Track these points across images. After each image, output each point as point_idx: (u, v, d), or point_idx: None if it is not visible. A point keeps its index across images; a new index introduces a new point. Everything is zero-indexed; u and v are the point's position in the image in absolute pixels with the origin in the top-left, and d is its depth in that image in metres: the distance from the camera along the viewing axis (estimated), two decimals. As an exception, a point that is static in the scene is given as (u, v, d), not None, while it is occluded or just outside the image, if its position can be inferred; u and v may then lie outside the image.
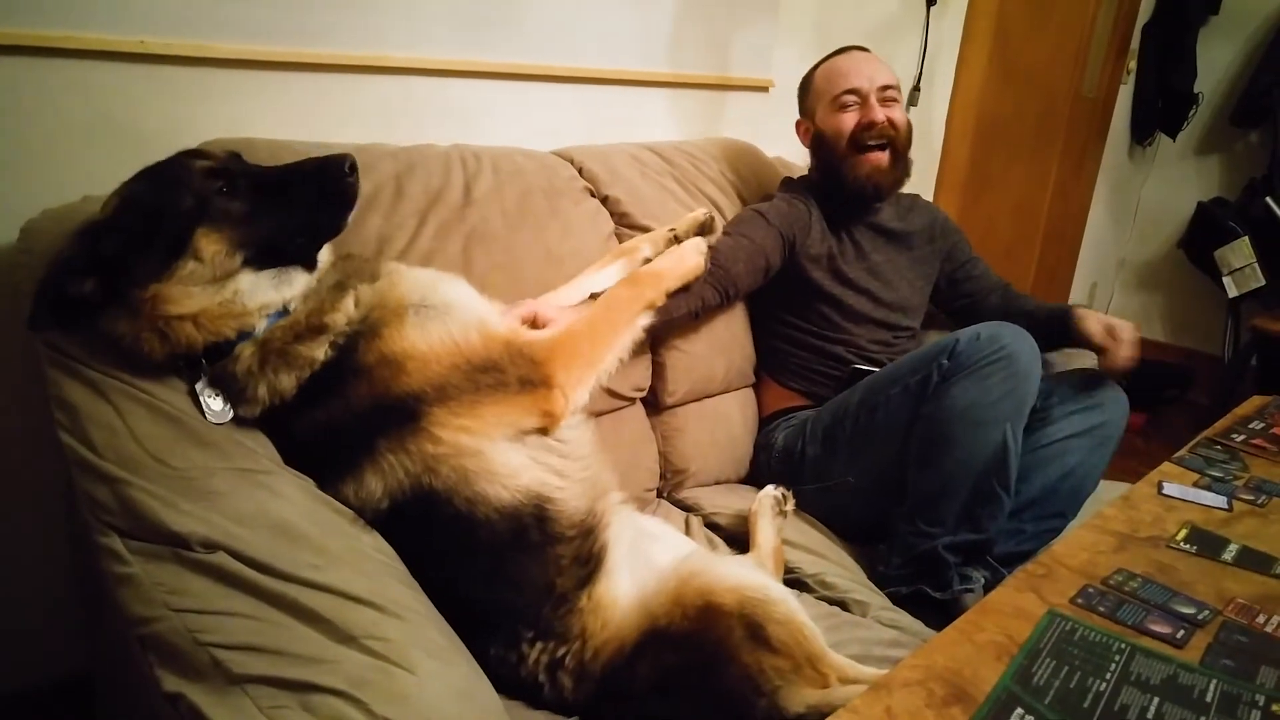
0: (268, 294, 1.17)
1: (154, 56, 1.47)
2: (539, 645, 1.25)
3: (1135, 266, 4.75)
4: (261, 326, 1.17)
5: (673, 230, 1.80)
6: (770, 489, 1.77)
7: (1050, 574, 1.18)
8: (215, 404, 1.14)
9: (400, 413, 1.18)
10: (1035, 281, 3.99)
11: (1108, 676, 0.96)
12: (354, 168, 1.19)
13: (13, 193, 1.37)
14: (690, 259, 1.63)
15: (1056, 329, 1.97)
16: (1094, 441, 1.83)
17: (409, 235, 1.57)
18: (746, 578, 1.26)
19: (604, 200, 1.91)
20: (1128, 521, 1.36)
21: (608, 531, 1.33)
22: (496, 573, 1.20)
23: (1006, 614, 1.07)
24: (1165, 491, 1.48)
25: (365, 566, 1.07)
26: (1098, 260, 4.57)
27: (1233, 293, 3.87)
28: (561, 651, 1.25)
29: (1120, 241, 4.71)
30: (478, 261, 1.63)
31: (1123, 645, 1.02)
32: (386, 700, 0.89)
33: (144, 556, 0.95)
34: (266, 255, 1.16)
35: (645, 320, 1.45)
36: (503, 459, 1.22)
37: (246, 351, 1.16)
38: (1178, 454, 1.66)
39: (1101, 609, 1.10)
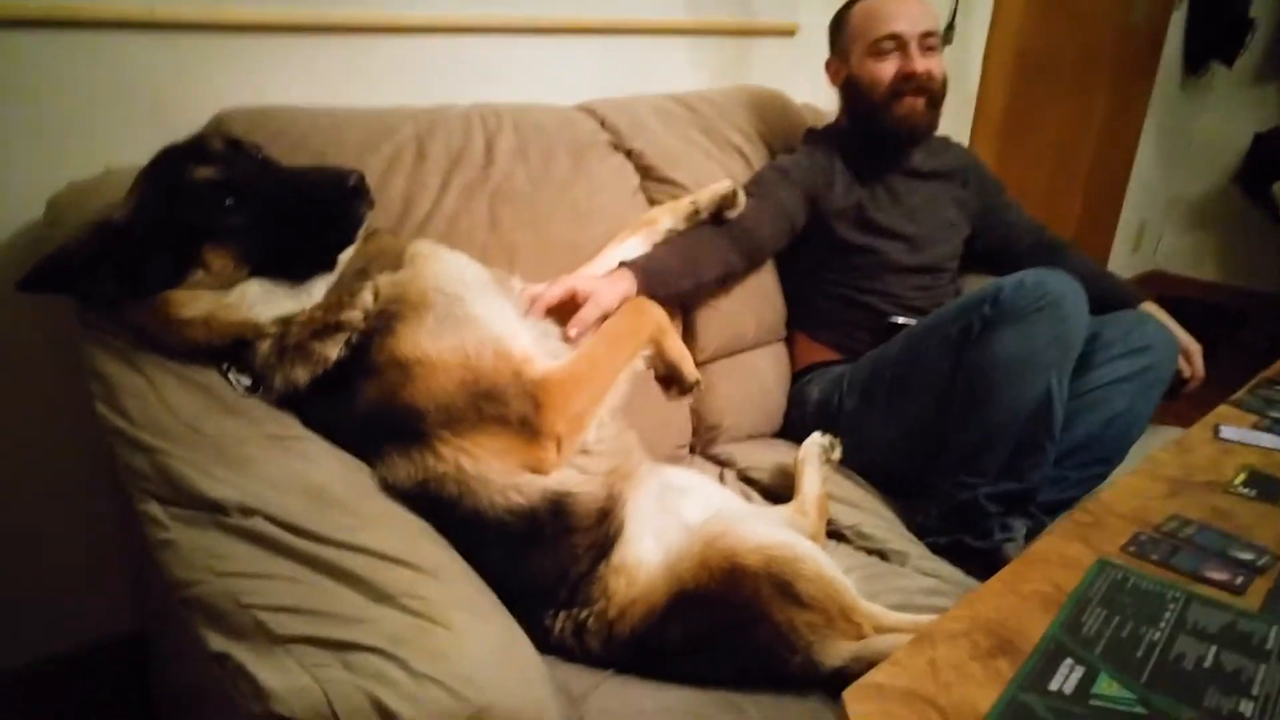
0: (283, 304, 1.17)
1: (167, 24, 1.46)
2: (561, 615, 1.26)
3: (1187, 204, 4.61)
4: (274, 328, 1.18)
5: (694, 202, 1.76)
6: (817, 435, 1.74)
7: (1099, 522, 1.14)
8: (245, 380, 1.16)
9: (404, 425, 1.17)
10: (1079, 225, 3.88)
11: (1162, 625, 0.93)
12: (358, 188, 1.16)
13: (35, 166, 1.38)
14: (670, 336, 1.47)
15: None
16: (1141, 386, 1.78)
17: (433, 197, 1.56)
18: (772, 536, 1.26)
19: (628, 154, 1.88)
20: (1182, 466, 1.31)
21: (626, 508, 1.33)
22: (509, 564, 1.19)
23: (1053, 563, 1.04)
24: (1223, 435, 1.43)
25: (399, 527, 1.08)
26: (1146, 199, 4.42)
27: (1292, 227, 3.73)
28: (584, 615, 1.26)
29: (1170, 178, 4.55)
30: (504, 220, 1.61)
31: (1178, 593, 0.99)
32: (425, 657, 0.89)
33: (183, 522, 0.96)
34: (276, 268, 1.16)
35: (647, 352, 1.38)
36: (512, 475, 1.21)
37: (264, 345, 1.17)
38: (1235, 396, 1.60)
39: (1155, 557, 1.07)
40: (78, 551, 1.60)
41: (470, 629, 0.97)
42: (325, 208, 1.16)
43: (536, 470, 1.22)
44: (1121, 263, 4.36)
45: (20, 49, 1.36)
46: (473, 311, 1.24)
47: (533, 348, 1.28)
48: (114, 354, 1.09)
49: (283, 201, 1.15)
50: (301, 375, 1.17)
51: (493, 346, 1.22)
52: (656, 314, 1.40)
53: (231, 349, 1.16)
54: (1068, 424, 1.69)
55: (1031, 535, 1.66)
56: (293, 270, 1.17)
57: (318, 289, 1.20)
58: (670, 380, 1.42)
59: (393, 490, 1.16)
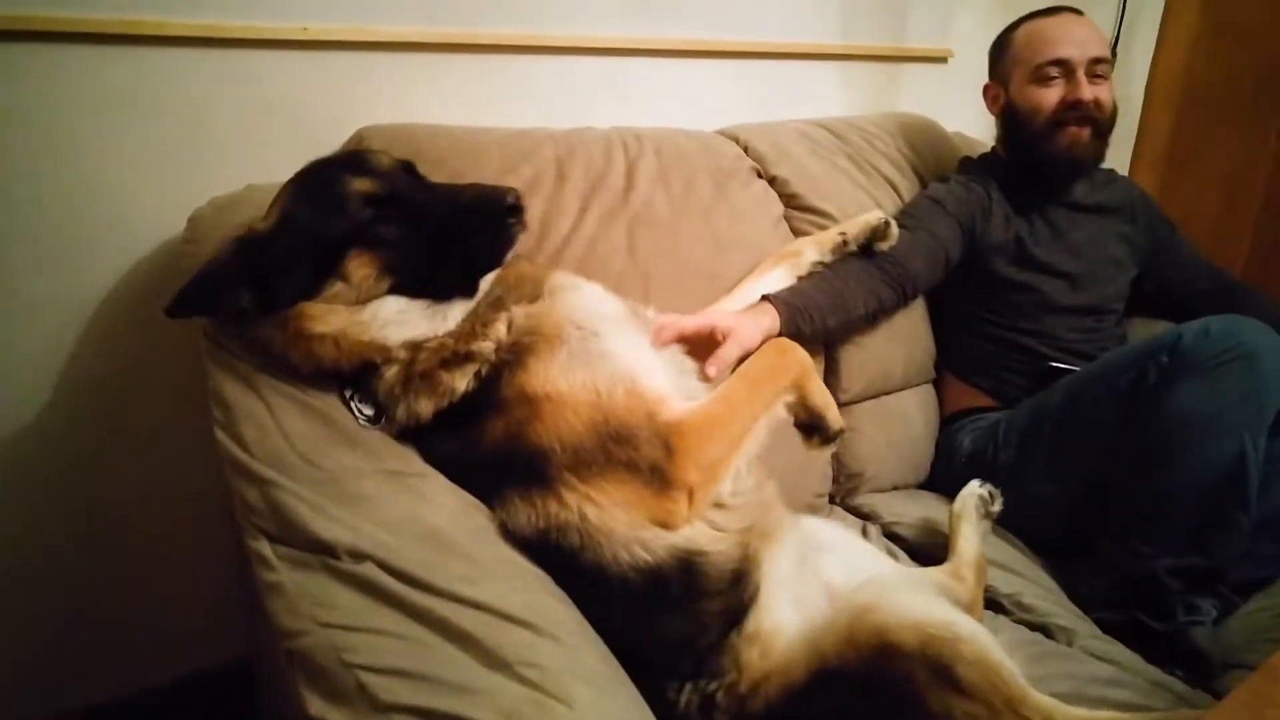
0: (417, 326, 1.14)
1: (316, 43, 1.48)
2: (688, 687, 1.15)
3: (1366, 246, 4.21)
4: (404, 353, 1.14)
5: (843, 234, 1.68)
6: (975, 485, 1.60)
7: None
8: (367, 409, 1.12)
9: (528, 466, 1.10)
10: (1247, 265, 3.60)
11: None
12: (516, 206, 1.13)
13: (179, 183, 1.40)
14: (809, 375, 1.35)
15: None
16: (1348, 450, 1.58)
17: (572, 221, 1.54)
18: (929, 612, 1.13)
19: (771, 181, 1.82)
20: None
21: (761, 571, 1.21)
22: (631, 628, 1.09)
23: (1304, 679, 0.88)
24: None
25: (518, 579, 1.00)
26: (1322, 239, 4.06)
27: None
28: (713, 687, 1.15)
29: (1351, 218, 4.18)
30: (642, 248, 1.57)
31: None
32: (540, 738, 0.80)
33: (292, 564, 0.92)
34: (418, 284, 1.14)
35: (789, 398, 1.26)
36: (641, 528, 1.11)
37: (390, 371, 1.13)
38: None
39: None
40: (191, 580, 1.61)
41: (591, 704, 0.87)
42: (479, 223, 1.14)
43: (665, 525, 1.12)
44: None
45: (169, 67, 1.38)
46: (607, 347, 1.17)
47: (668, 387, 1.19)
48: (237, 378, 1.07)
49: (436, 214, 1.13)
50: (426, 407, 1.13)
51: (625, 385, 1.14)
52: (800, 356, 1.28)
53: (358, 374, 1.13)
54: (1263, 491, 1.49)
55: (1221, 618, 1.49)
56: (435, 289, 1.14)
57: (454, 314, 1.16)
58: (812, 428, 1.30)
59: (512, 537, 1.08)
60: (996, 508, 1.61)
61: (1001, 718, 1.06)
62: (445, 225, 1.13)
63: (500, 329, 1.16)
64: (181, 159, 1.41)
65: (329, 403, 1.08)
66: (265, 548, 0.94)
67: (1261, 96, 3.45)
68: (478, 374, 1.13)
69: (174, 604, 1.59)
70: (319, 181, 1.14)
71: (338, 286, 1.09)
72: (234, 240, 1.10)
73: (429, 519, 0.99)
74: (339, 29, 1.49)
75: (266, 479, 0.97)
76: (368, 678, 0.82)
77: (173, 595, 1.59)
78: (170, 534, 1.56)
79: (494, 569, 0.99)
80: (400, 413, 1.13)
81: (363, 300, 1.11)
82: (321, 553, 0.92)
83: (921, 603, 1.16)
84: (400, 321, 1.12)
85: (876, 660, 1.08)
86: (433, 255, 1.12)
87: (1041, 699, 1.13)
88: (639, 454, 1.11)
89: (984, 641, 1.12)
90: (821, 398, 1.29)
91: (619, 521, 1.09)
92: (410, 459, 1.09)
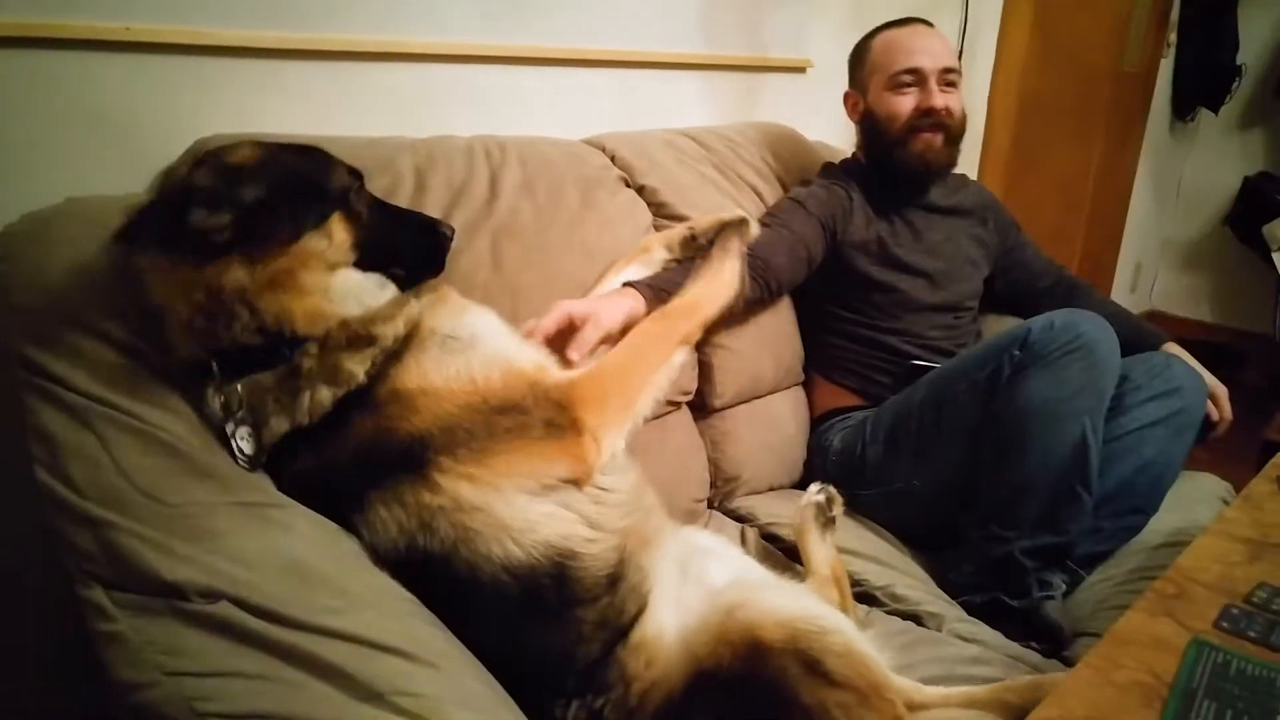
0: (375, 295, 1.12)
1: (142, 45, 1.35)
2: (575, 704, 1.11)
3: (1179, 246, 4.65)
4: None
5: (690, 228, 1.65)
6: (812, 492, 1.57)
7: (1183, 593, 1.04)
8: (247, 447, 1.03)
9: (401, 456, 1.05)
10: (1081, 264, 3.88)
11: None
12: (452, 235, 1.22)
13: None
14: (726, 282, 1.42)
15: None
16: (1172, 430, 1.69)
17: None
18: (798, 608, 1.14)
19: (640, 190, 1.80)
20: (1255, 525, 1.23)
21: (644, 578, 1.19)
22: (510, 640, 1.06)
23: (1144, 645, 0.93)
24: (1289, 488, 1.34)
25: (390, 607, 0.96)
26: (1141, 240, 4.45)
27: (1283, 269, 3.71)
28: (600, 703, 1.11)
29: (1163, 220, 4.60)
30: (508, 259, 1.51)
31: (1289, 678, 0.88)
32: (420, 772, 0.76)
33: (132, 611, 0.84)
34: (375, 267, 1.13)
35: (681, 357, 1.28)
36: (514, 511, 1.07)
37: (314, 349, 1.06)
38: (1288, 444, 1.51)
39: (1252, 634, 0.96)
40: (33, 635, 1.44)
41: (474, 732, 0.84)
42: (427, 236, 1.20)
43: (579, 474, 1.11)
44: (1120, 303, 4.33)
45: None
46: (477, 331, 1.15)
47: (544, 359, 1.19)
48: (62, 409, 0.95)
49: (394, 211, 1.22)
50: (327, 396, 1.06)
51: (501, 367, 1.11)
52: (680, 311, 1.31)
53: (293, 346, 1.05)
54: (1101, 471, 1.59)
55: (1070, 590, 1.58)
56: (389, 275, 1.15)
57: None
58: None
59: (381, 559, 1.02)
60: (837, 511, 1.55)
61: (869, 702, 1.09)
62: (400, 226, 1.18)
63: (399, 322, 1.10)
64: (-11, 169, 1.26)
65: (175, 431, 0.99)
66: (100, 596, 0.85)
67: (1086, 110, 3.71)
68: (374, 362, 1.07)
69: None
70: (298, 147, 1.13)
71: (322, 243, 1.06)
72: (204, 166, 1.02)
73: (290, 550, 0.93)
74: (166, 30, 1.37)
75: (100, 520, 0.88)
76: (224, 728, 0.76)
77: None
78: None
79: (363, 598, 0.93)
80: (305, 402, 1.05)
81: (333, 267, 1.07)
82: (167, 595, 0.84)
83: (789, 599, 1.17)
84: (361, 292, 1.10)
85: (750, 658, 1.08)
86: (391, 246, 1.14)
87: (903, 682, 1.18)
88: (528, 417, 1.09)
89: (850, 633, 1.15)
90: (720, 307, 1.36)
91: (500, 499, 1.05)
92: (267, 489, 1.01)
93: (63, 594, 0.91)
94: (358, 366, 1.06)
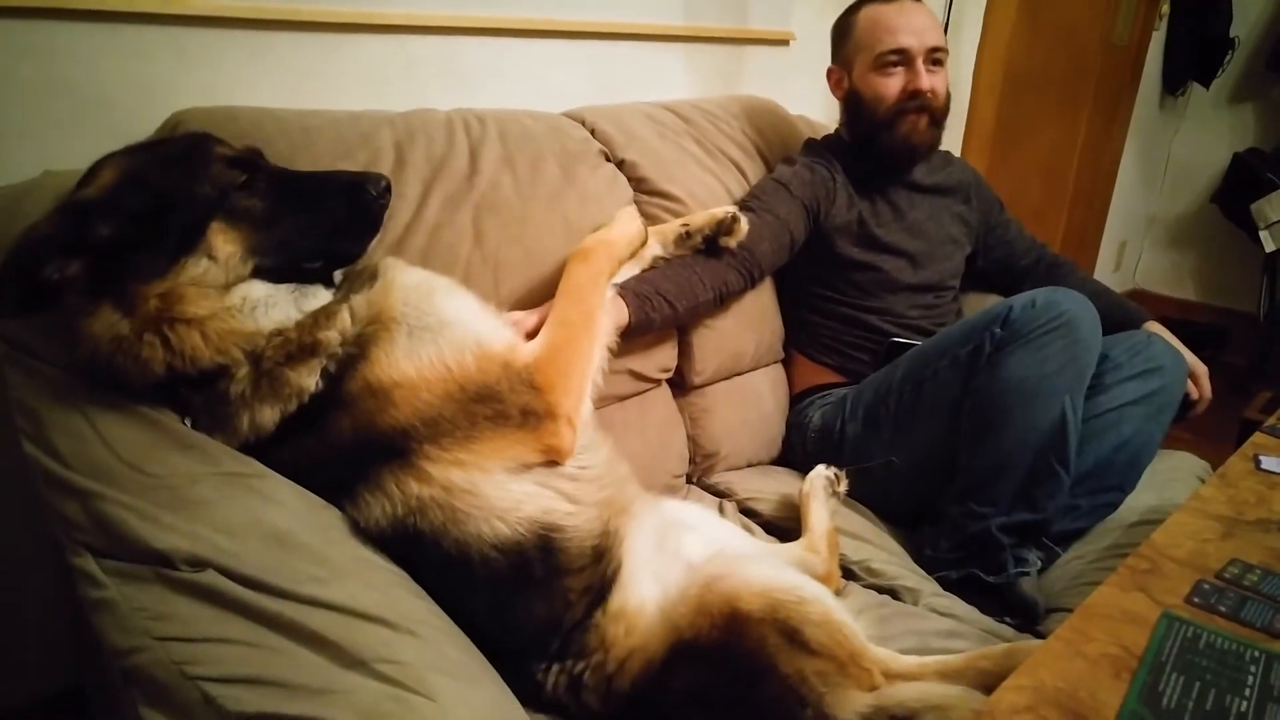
0: (287, 312, 1.06)
1: (118, 14, 1.34)
2: (555, 668, 1.15)
3: (1165, 223, 4.62)
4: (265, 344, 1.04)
5: (685, 225, 1.65)
6: (821, 468, 1.66)
7: (1155, 568, 1.06)
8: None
9: (387, 448, 1.06)
10: (1064, 242, 3.87)
11: (1247, 693, 0.84)
12: (387, 190, 1.12)
13: None
14: (632, 225, 1.51)
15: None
16: (1151, 409, 1.70)
17: (413, 208, 1.45)
18: (776, 578, 1.17)
19: (620, 164, 1.79)
20: (1230, 503, 1.24)
21: (623, 547, 1.23)
22: (496, 611, 1.09)
23: (1116, 619, 0.95)
24: (1264, 467, 1.36)
25: (372, 577, 0.97)
26: (1126, 217, 4.43)
27: (1270, 247, 3.67)
28: (580, 668, 1.15)
29: (1150, 197, 4.57)
30: (490, 234, 1.51)
31: (1257, 652, 0.90)
32: (403, 734, 0.78)
33: (122, 578, 0.85)
34: (279, 269, 1.06)
35: (610, 294, 1.36)
36: (501, 491, 1.10)
37: (242, 371, 1.02)
38: (1269, 423, 1.53)
39: (1222, 608, 0.98)
40: (16, 604, 1.47)
41: (455, 696, 0.86)
42: (349, 201, 1.09)
43: (555, 456, 1.15)
44: (1104, 282, 4.34)
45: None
46: (446, 316, 1.14)
47: (511, 336, 1.22)
48: (44, 384, 0.96)
49: (299, 192, 1.07)
50: (269, 415, 1.04)
51: (473, 350, 1.12)
52: (601, 250, 1.38)
53: (204, 380, 1.01)
54: (1078, 450, 1.60)
55: (1045, 567, 1.59)
56: (299, 274, 1.08)
57: (313, 306, 1.09)
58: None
59: (365, 533, 1.04)
60: (842, 489, 1.67)
61: (847, 670, 1.12)
62: (310, 204, 1.06)
63: (345, 317, 1.09)
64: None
65: (154, 407, 0.99)
66: (90, 563, 0.86)
67: (1072, 87, 3.68)
68: (325, 371, 1.06)
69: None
70: (170, 143, 1.03)
71: (204, 264, 0.98)
72: (54, 210, 0.94)
73: (273, 520, 0.94)
74: (141, 0, 1.35)
75: (88, 490, 0.88)
76: (213, 689, 0.78)
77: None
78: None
79: (346, 568, 0.95)
80: (245, 424, 1.03)
81: (229, 284, 1.01)
82: (155, 563, 0.85)
83: (769, 570, 1.20)
84: (269, 306, 1.04)
85: (728, 627, 1.11)
86: (299, 235, 1.05)
87: (879, 651, 1.20)
88: (506, 404, 1.11)
89: (828, 602, 1.17)
90: (630, 248, 1.46)
91: (488, 483, 1.08)
92: (250, 461, 1.02)
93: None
94: (306, 378, 1.04)
